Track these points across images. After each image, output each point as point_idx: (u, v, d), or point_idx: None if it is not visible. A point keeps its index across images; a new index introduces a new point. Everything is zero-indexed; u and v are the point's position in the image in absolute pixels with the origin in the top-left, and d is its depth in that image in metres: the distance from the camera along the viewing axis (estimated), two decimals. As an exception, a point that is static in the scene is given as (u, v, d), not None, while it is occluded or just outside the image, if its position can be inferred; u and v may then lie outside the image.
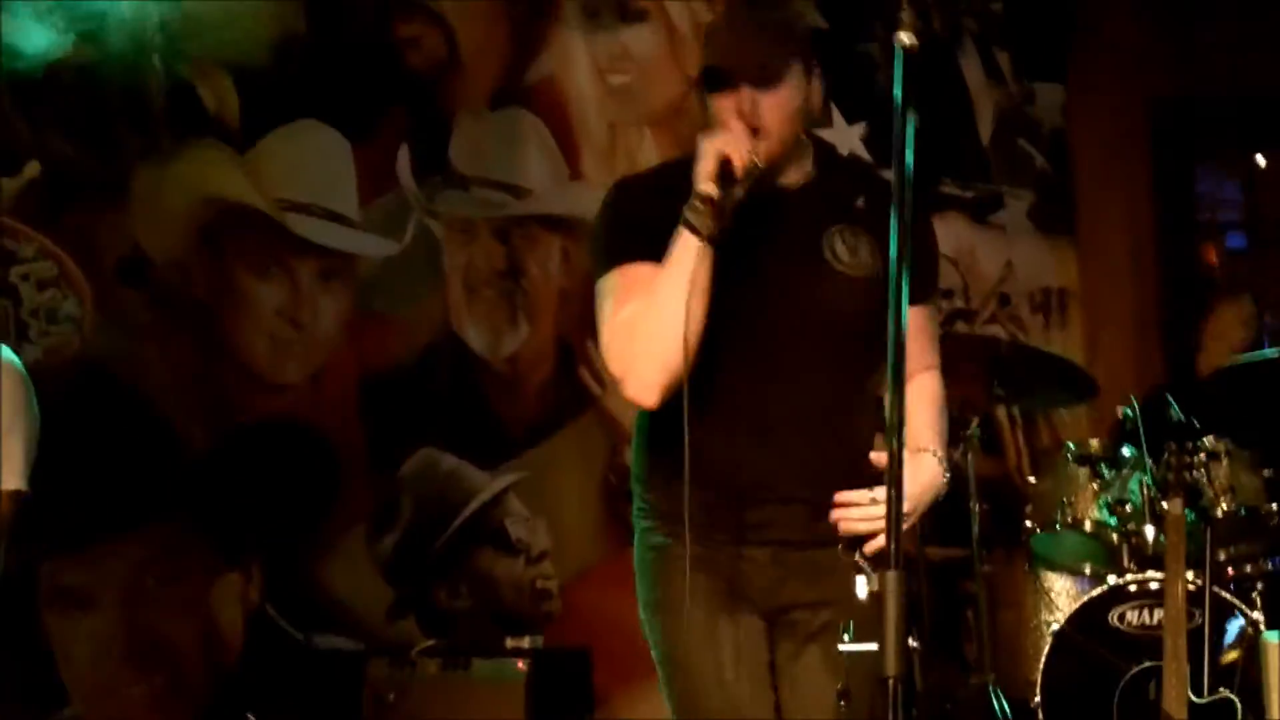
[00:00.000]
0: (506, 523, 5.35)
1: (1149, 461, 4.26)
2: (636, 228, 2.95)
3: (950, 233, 5.93)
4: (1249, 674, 3.92)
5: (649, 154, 5.72)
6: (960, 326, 5.84)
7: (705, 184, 2.82)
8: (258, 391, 5.20)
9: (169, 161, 5.08)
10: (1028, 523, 4.52)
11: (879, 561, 2.64)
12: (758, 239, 2.95)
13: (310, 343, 5.28)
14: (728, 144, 2.85)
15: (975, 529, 4.53)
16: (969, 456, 4.57)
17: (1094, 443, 4.51)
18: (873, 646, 2.41)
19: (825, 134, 5.85)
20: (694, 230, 2.84)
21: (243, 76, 5.17)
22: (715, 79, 2.94)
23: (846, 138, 5.88)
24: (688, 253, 2.85)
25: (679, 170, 2.95)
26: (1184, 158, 6.30)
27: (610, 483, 5.43)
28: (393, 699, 4.59)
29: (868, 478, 2.83)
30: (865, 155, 5.86)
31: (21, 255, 4.76)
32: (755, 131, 2.88)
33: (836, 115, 5.89)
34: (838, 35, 5.93)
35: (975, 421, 4.65)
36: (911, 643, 2.49)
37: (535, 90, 5.64)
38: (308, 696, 4.94)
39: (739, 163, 2.84)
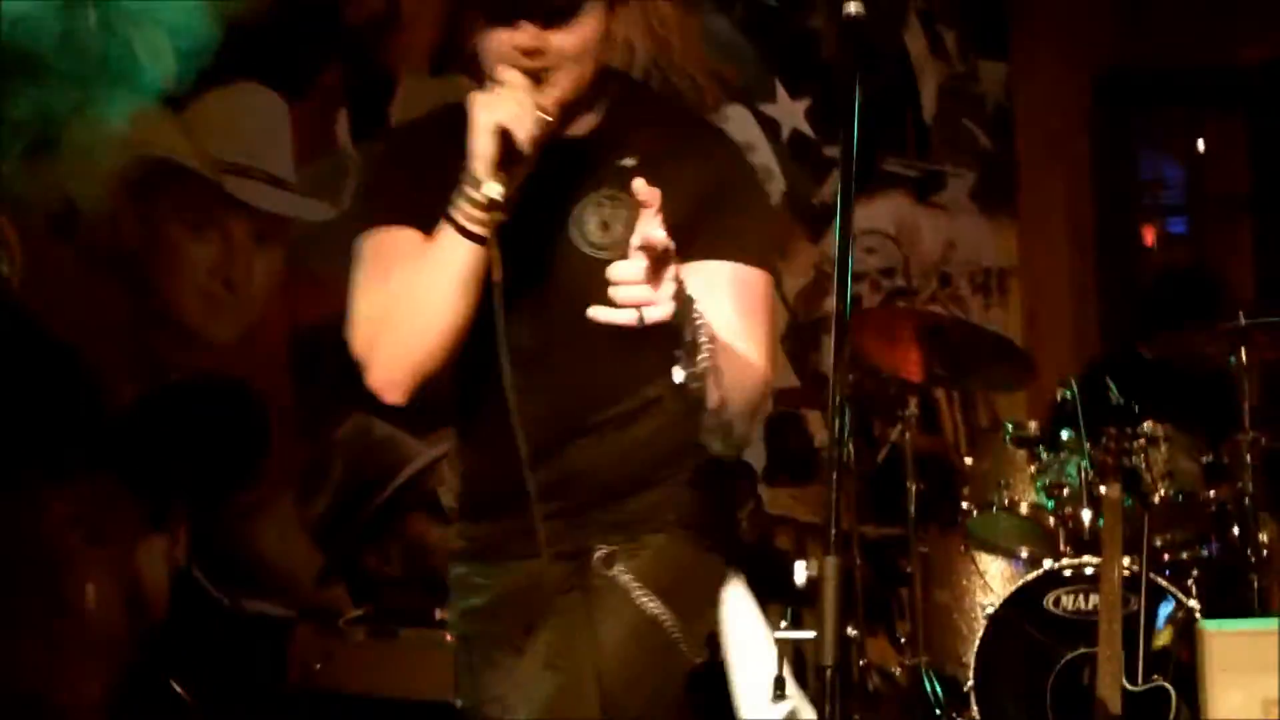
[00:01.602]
0: (439, 491, 5.30)
1: (1087, 445, 4.25)
2: (406, 183, 2.58)
3: (892, 211, 5.92)
4: (1183, 661, 3.93)
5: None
6: (900, 304, 5.83)
7: (484, 178, 2.38)
8: (188, 349, 5.12)
9: (102, 117, 4.98)
10: (964, 503, 4.51)
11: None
12: (517, 203, 2.45)
13: (242, 302, 5.21)
14: (506, 113, 2.38)
15: (911, 508, 4.52)
16: (906, 435, 4.56)
17: (1032, 424, 4.50)
18: (810, 634, 2.30)
19: (769, 109, 5.84)
20: (466, 234, 2.41)
21: (178, 32, 5.07)
22: (492, 9, 2.48)
23: (790, 113, 5.86)
24: (457, 253, 2.43)
25: (464, 116, 2.46)
26: (1125, 135, 6.30)
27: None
28: (319, 666, 4.53)
29: (663, 479, 2.56)
30: (809, 131, 5.84)
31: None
32: (539, 78, 2.44)
33: (780, 90, 5.86)
34: (782, 9, 5.90)
35: (913, 400, 4.63)
36: (850, 631, 2.40)
37: (476, 55, 5.56)
38: (233, 661, 4.88)
39: (523, 135, 2.38)
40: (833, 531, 2.20)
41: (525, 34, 2.46)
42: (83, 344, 4.93)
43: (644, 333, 2.25)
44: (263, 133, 5.25)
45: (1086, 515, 4.27)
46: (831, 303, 5.73)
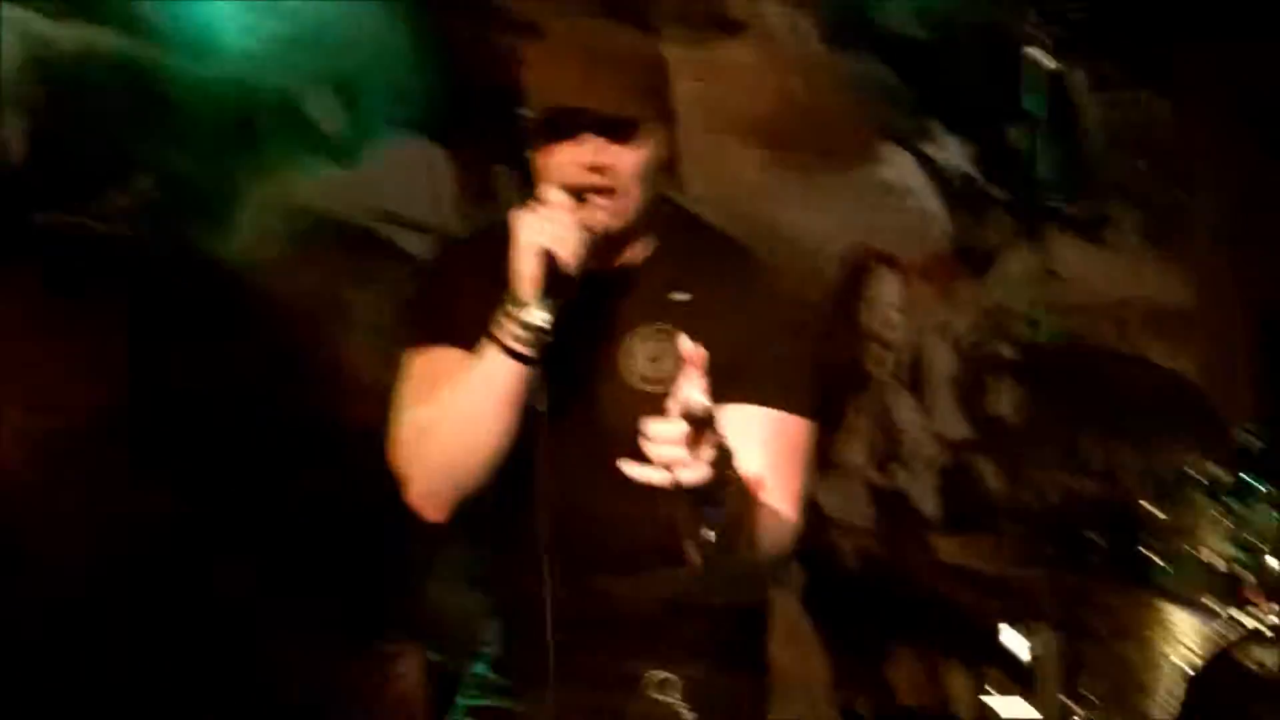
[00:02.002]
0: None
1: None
2: (452, 304, 2.54)
3: (1060, 251, 5.86)
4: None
5: (748, 166, 5.67)
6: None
7: (528, 300, 2.33)
8: (358, 400, 5.19)
9: (275, 176, 5.08)
10: (1148, 553, 4.43)
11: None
12: (564, 329, 2.41)
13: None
14: (550, 234, 2.34)
15: (1092, 558, 4.45)
16: (1085, 482, 4.50)
17: (1216, 469, 4.42)
18: (1031, 713, 2.24)
19: (930, 150, 5.81)
20: (512, 354, 2.37)
21: (347, 92, 5.16)
22: (553, 125, 2.46)
23: (952, 153, 5.82)
24: (501, 373, 2.39)
25: (490, 252, 2.48)
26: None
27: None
28: None
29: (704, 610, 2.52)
30: (971, 171, 5.80)
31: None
32: (585, 198, 2.39)
33: (941, 131, 5.83)
34: (944, 47, 5.88)
35: (1093, 445, 4.57)
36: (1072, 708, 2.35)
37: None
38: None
39: (567, 257, 2.34)
40: (1049, 605, 2.17)
41: (589, 149, 2.42)
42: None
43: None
44: (428, 187, 5.32)
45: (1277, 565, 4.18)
46: (999, 346, 5.68)
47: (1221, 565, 4.31)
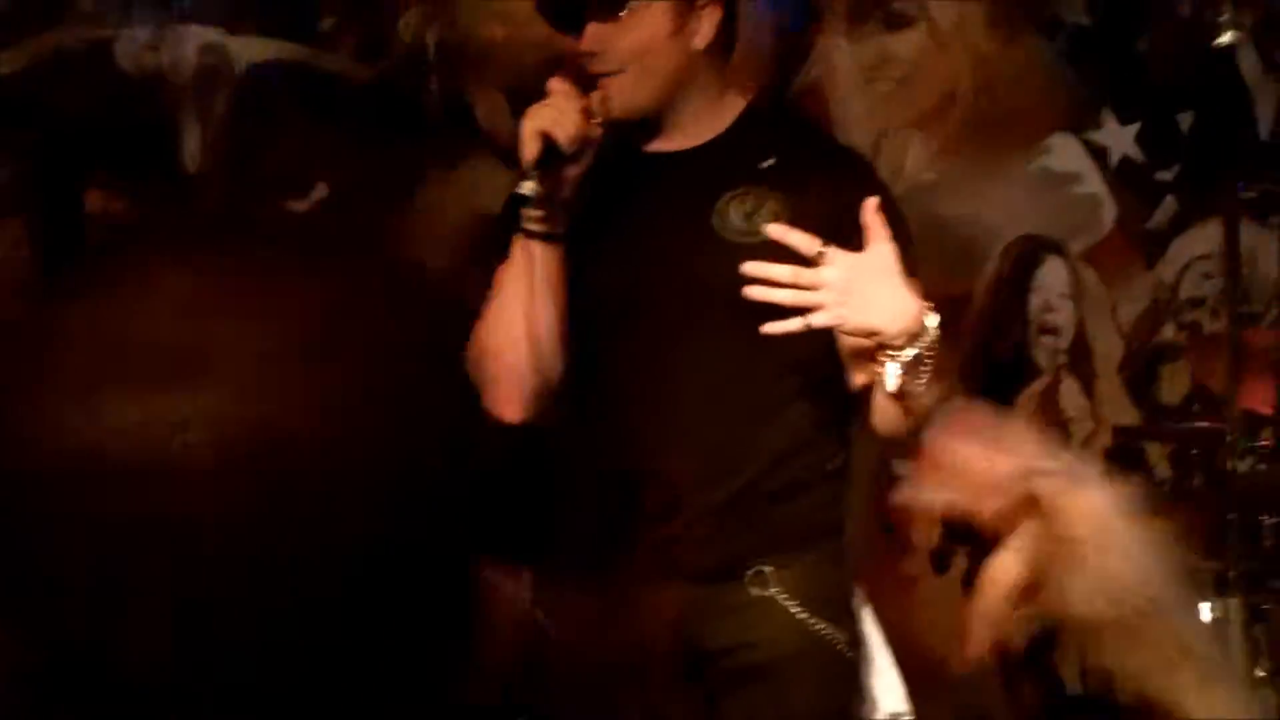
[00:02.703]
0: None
1: None
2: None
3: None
4: None
5: (916, 158, 5.67)
6: (1244, 331, 5.68)
7: (527, 177, 2.50)
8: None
9: (446, 178, 5.20)
10: (1321, 535, 4.37)
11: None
12: (636, 211, 2.61)
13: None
14: (548, 118, 2.52)
15: (1267, 541, 4.39)
16: (1261, 467, 4.44)
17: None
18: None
19: (1096, 136, 5.76)
20: (526, 232, 2.57)
21: (515, 96, 5.27)
22: (559, 19, 2.65)
23: (1119, 139, 5.77)
24: (524, 255, 2.58)
25: (605, 162, 2.64)
26: None
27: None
28: None
29: (806, 488, 2.55)
30: (1139, 156, 5.74)
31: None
32: (594, 79, 2.55)
33: (1108, 116, 5.78)
34: (1107, 32, 5.82)
35: (1265, 432, 4.51)
36: (1259, 673, 2.32)
37: (801, 97, 5.63)
38: None
39: (565, 138, 2.52)
40: (1233, 572, 2.17)
41: (585, 35, 2.57)
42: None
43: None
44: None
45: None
46: (1169, 331, 5.62)
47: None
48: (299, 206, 4.90)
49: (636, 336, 2.60)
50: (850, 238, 2.50)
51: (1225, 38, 2.35)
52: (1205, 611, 2.22)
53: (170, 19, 4.66)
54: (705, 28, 2.61)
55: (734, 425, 2.59)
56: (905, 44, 5.70)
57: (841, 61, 5.67)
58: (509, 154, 5.31)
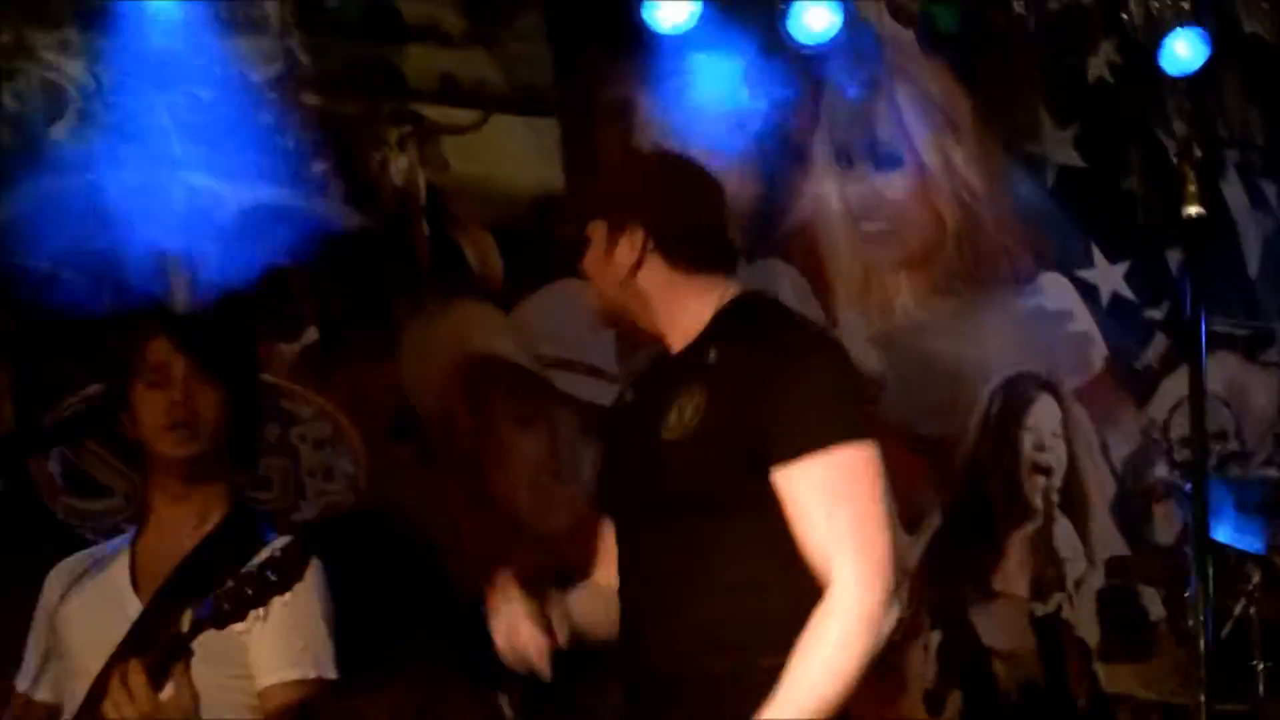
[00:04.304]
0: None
1: None
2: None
3: (1221, 372, 5.78)
4: None
5: (905, 297, 5.69)
6: (1235, 470, 5.67)
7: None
8: (522, 541, 5.26)
9: (436, 320, 5.21)
10: (1316, 678, 4.34)
11: None
12: (643, 405, 2.77)
13: (571, 493, 5.33)
14: (501, 635, 2.83)
15: (1260, 685, 4.37)
16: (1251, 609, 4.42)
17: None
18: None
19: (1086, 275, 5.79)
20: None
21: (505, 236, 5.30)
22: None
23: (1109, 277, 5.80)
24: None
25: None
26: None
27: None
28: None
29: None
30: (1129, 295, 5.76)
31: (300, 416, 4.91)
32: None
33: (1097, 254, 5.81)
34: (1095, 172, 5.87)
35: (1256, 570, 4.49)
36: None
37: (789, 239, 5.66)
38: None
39: (530, 657, 2.79)
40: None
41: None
42: (426, 539, 5.10)
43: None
44: (585, 327, 5.39)
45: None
46: (1161, 469, 5.60)
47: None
48: (290, 350, 4.91)
49: (629, 534, 2.80)
50: (769, 421, 2.57)
51: (1191, 210, 2.38)
52: None
53: (161, 164, 4.69)
54: (627, 252, 2.73)
55: (714, 606, 2.63)
56: (894, 184, 5.74)
57: (830, 203, 5.70)
58: (499, 294, 5.40)
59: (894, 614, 2.53)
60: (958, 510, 5.35)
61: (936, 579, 5.32)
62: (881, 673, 5.30)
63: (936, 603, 5.31)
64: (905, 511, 5.40)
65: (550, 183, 5.33)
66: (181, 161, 4.76)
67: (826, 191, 5.70)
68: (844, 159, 5.72)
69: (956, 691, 5.12)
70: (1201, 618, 2.27)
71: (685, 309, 2.73)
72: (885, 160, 5.73)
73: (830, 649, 2.52)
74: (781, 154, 5.68)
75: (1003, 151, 5.80)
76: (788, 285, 5.61)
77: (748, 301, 2.80)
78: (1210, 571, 2.31)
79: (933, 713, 5.32)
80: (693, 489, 2.60)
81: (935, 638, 5.34)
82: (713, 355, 2.67)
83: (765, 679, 2.53)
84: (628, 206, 2.74)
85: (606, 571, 2.89)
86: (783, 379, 2.56)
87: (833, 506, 2.55)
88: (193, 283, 4.68)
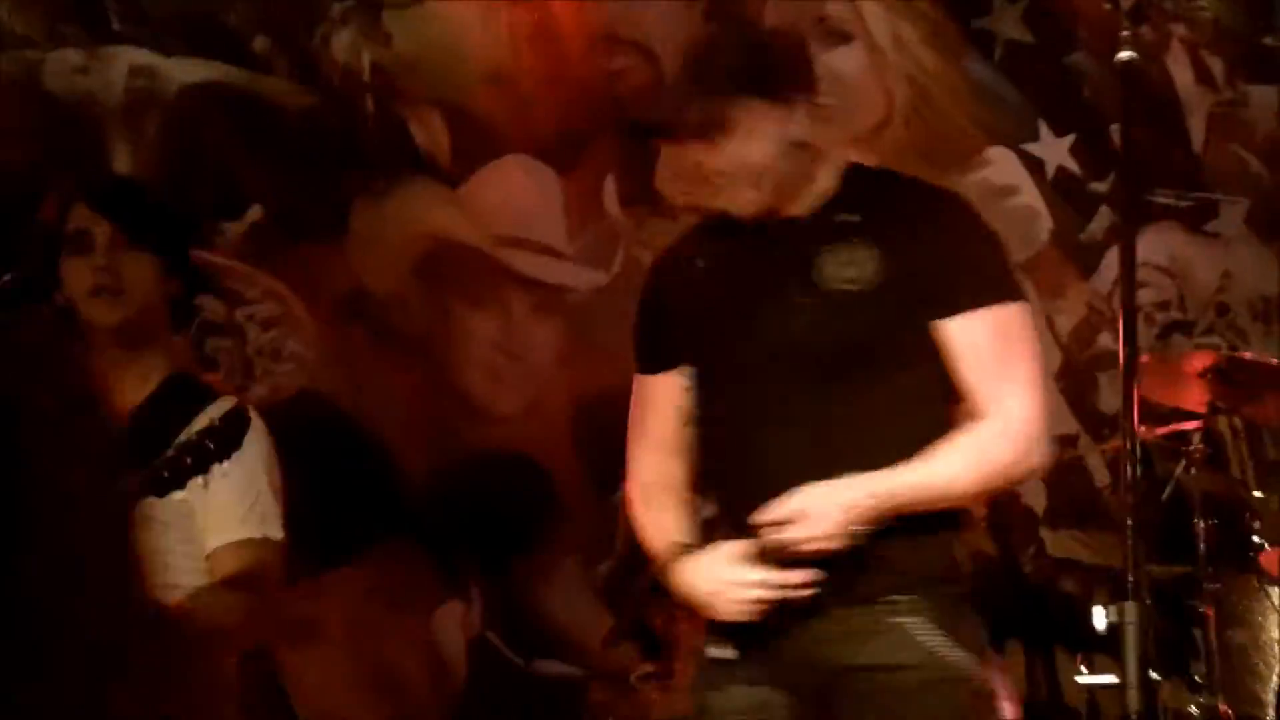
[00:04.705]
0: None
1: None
2: (656, 329, 2.90)
3: (1165, 243, 5.82)
4: None
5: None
6: (1178, 338, 5.72)
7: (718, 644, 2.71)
8: (474, 422, 5.28)
9: (384, 199, 5.19)
10: (1256, 538, 4.41)
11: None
12: (750, 265, 2.78)
13: (525, 374, 5.35)
14: (725, 611, 2.67)
15: (1201, 546, 4.43)
16: (1191, 471, 4.48)
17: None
18: (1112, 679, 2.31)
19: (1033, 149, 5.80)
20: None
21: (452, 113, 5.27)
22: (653, 129, 2.87)
23: (1055, 151, 5.81)
24: None
25: (711, 238, 2.82)
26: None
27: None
28: (614, 723, 4.63)
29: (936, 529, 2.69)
30: (1075, 168, 5.78)
31: (247, 296, 4.90)
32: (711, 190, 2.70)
33: (1044, 129, 5.82)
34: (1042, 47, 5.87)
35: (1197, 436, 4.55)
36: (1154, 676, 2.35)
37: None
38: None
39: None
40: (1131, 577, 2.22)
41: (689, 155, 2.70)
42: (377, 421, 5.12)
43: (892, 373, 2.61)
44: (535, 205, 5.40)
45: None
46: (1106, 340, 5.64)
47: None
48: (236, 229, 4.89)
49: (747, 391, 2.75)
50: (940, 275, 2.70)
51: (1123, 54, 2.39)
52: (1100, 617, 2.25)
53: (101, 41, 4.64)
54: (800, 120, 2.74)
55: (853, 467, 2.67)
56: (842, 61, 5.72)
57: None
58: (447, 172, 5.39)
59: (1042, 455, 2.68)
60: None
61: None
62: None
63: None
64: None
65: (496, 57, 5.30)
66: (121, 39, 4.71)
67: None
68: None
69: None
70: (1129, 485, 2.30)
71: (812, 174, 2.78)
72: (835, 37, 5.71)
73: (981, 451, 2.65)
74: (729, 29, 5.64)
75: (951, 27, 5.78)
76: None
77: (866, 168, 2.88)
78: (1136, 443, 2.33)
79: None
80: (878, 340, 2.69)
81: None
82: (859, 215, 2.72)
83: (889, 544, 2.66)
84: (788, 79, 2.76)
85: (662, 427, 2.91)
86: (946, 237, 2.70)
87: (1004, 352, 2.68)
88: (132, 160, 4.65)
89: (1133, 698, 2.14)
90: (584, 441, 5.36)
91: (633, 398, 2.98)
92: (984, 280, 2.72)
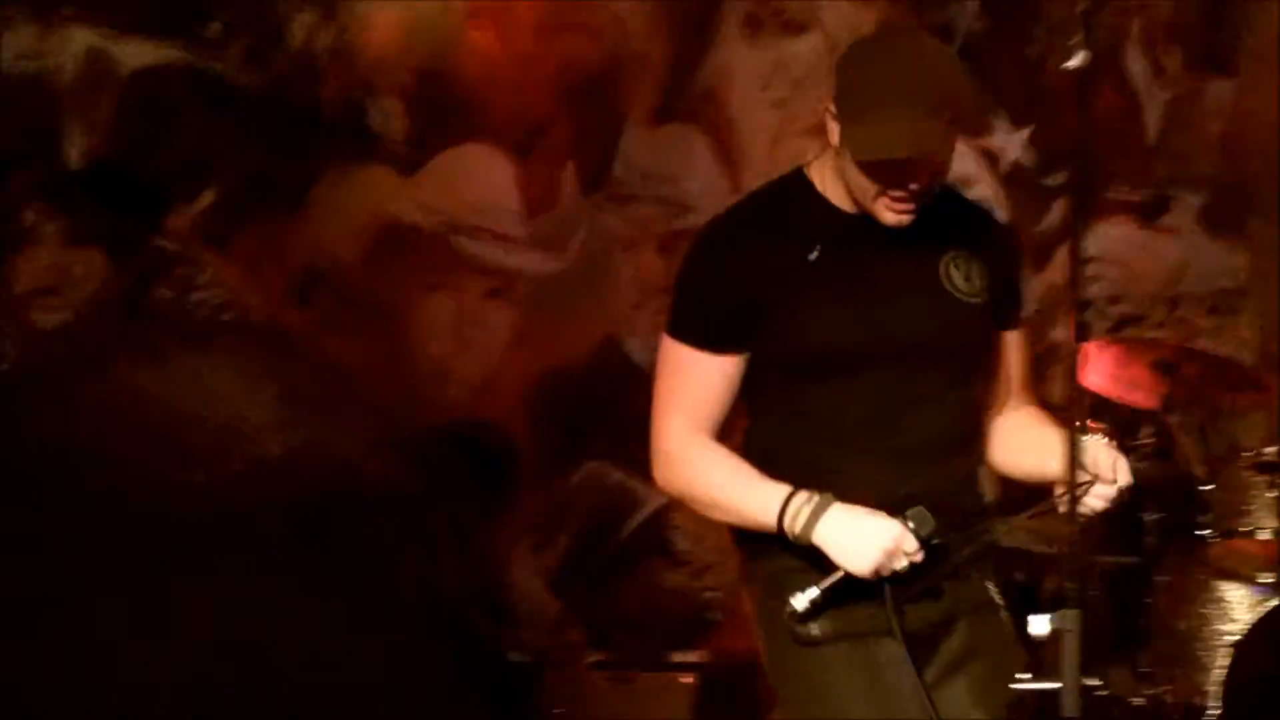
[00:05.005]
0: (672, 535, 5.37)
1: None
2: (736, 310, 2.91)
3: (1118, 236, 5.84)
4: None
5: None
6: (1129, 331, 5.74)
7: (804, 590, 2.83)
8: (427, 405, 5.28)
9: (340, 184, 5.18)
10: (1203, 531, 4.45)
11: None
12: (875, 262, 2.92)
13: (478, 358, 5.35)
14: (885, 562, 2.78)
15: (1148, 537, 4.47)
16: (1141, 463, 4.50)
17: (1271, 449, 4.43)
18: (1054, 685, 2.34)
19: (988, 141, 5.82)
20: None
21: (409, 99, 5.25)
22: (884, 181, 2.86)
23: (1010, 143, 5.82)
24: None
25: (779, 203, 2.94)
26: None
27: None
28: (561, 712, 4.63)
29: (978, 505, 3.00)
30: (1029, 161, 5.80)
31: (197, 282, 4.88)
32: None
33: (1003, 120, 5.83)
34: (1001, 38, 5.88)
35: (1146, 428, 4.58)
36: (1093, 682, 2.38)
37: (697, 104, 5.65)
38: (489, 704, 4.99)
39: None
40: (1073, 584, 2.26)
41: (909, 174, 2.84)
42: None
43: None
44: (491, 191, 5.39)
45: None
46: (1059, 333, 5.66)
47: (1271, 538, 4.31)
48: (186, 212, 4.86)
49: (882, 373, 2.91)
50: (1013, 294, 3.06)
51: (1074, 61, 2.41)
52: (1044, 623, 2.32)
53: (53, 23, 4.60)
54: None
55: (954, 461, 2.99)
56: (800, 50, 5.72)
57: (737, 70, 5.68)
58: (404, 158, 5.37)
59: None
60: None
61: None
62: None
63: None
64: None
65: (454, 43, 5.29)
66: (74, 20, 4.67)
67: (735, 57, 5.68)
68: (753, 25, 5.70)
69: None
70: (1072, 481, 2.35)
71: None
72: (793, 27, 5.72)
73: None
74: (689, 19, 5.65)
75: (908, 17, 5.78)
76: (695, 150, 5.61)
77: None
78: (1078, 441, 2.37)
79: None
80: (983, 344, 3.00)
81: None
82: (966, 229, 2.98)
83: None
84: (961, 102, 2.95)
85: (710, 406, 2.98)
86: (1017, 262, 3.11)
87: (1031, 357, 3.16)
88: (85, 146, 4.61)
89: (1069, 704, 2.18)
90: (535, 426, 5.36)
91: (669, 366, 3.01)
92: (1025, 300, 3.13)
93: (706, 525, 5.43)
